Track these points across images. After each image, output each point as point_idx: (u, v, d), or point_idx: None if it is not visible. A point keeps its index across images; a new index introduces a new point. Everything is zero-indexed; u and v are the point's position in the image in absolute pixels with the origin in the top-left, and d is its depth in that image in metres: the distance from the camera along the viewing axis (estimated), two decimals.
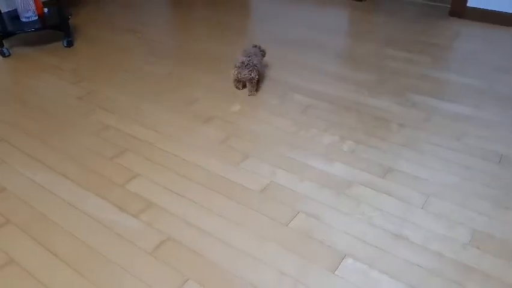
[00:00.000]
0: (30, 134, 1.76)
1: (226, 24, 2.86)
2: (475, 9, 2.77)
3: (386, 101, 1.96)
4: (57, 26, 2.52)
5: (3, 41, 2.44)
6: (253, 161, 1.59)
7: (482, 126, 1.77)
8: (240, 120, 1.84)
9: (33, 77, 2.23)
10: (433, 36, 2.61)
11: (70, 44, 2.56)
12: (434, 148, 1.65)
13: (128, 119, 1.86)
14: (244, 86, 2.08)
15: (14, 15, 2.52)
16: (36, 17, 2.51)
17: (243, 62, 1.97)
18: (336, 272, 1.16)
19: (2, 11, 2.63)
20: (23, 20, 2.47)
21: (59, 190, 1.46)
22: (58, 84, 2.16)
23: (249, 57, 1.99)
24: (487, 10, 2.73)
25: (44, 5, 2.69)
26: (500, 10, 2.69)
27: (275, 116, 1.87)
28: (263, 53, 2.18)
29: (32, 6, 2.46)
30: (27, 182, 1.50)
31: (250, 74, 1.96)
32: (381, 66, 2.27)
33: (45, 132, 1.78)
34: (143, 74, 2.25)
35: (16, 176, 1.53)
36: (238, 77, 2.00)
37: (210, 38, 2.65)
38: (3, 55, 2.43)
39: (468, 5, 2.78)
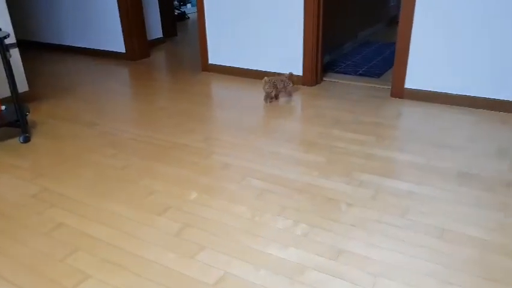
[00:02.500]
0: None
1: (186, 113, 3.00)
2: (412, 90, 3.06)
3: (335, 182, 2.06)
4: (14, 122, 2.56)
5: None
6: (209, 253, 1.61)
7: (424, 202, 1.88)
8: (196, 210, 1.88)
9: None
10: (377, 116, 2.83)
11: (26, 140, 2.59)
12: (380, 226, 1.73)
13: (83, 216, 1.86)
14: (271, 99, 3.16)
15: None
16: None
17: (268, 80, 3.06)
18: None
19: None
20: None
21: None
22: (12, 182, 2.15)
23: (274, 78, 3.10)
24: (422, 90, 3.02)
25: (1, 102, 2.75)
26: (434, 90, 2.98)
27: (231, 202, 1.93)
28: (289, 78, 3.17)
29: None
30: None
31: (269, 89, 3.08)
32: (330, 147, 2.42)
33: None
34: (101, 167, 2.28)
35: None
36: (264, 89, 3.09)
37: (169, 128, 2.76)
38: None
39: (405, 86, 3.07)
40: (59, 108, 3.16)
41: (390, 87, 3.28)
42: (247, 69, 3.75)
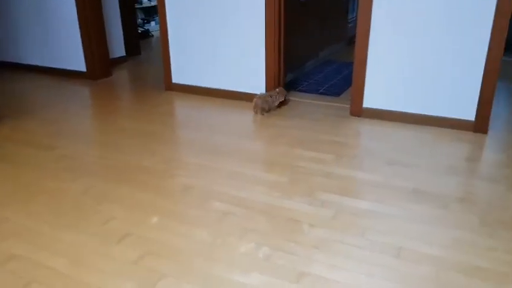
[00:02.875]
0: None
1: (149, 134, 2.96)
2: (370, 109, 3.16)
3: (297, 202, 2.09)
4: None
5: None
6: (170, 281, 1.58)
7: (382, 220, 1.94)
8: (157, 235, 1.85)
9: None
10: (337, 134, 2.91)
11: None
12: (341, 247, 1.76)
13: (38, 246, 1.79)
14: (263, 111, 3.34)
15: None
16: None
17: (259, 96, 3.31)
18: None
19: None
20: None
21: None
22: None
23: (264, 95, 3.35)
24: (379, 109, 3.13)
25: None
26: (391, 109, 3.10)
27: (193, 227, 1.91)
28: (280, 93, 3.39)
29: None
30: None
31: (263, 104, 3.30)
32: (292, 167, 2.46)
33: None
34: (59, 193, 2.21)
35: None
36: (258, 106, 3.31)
37: (131, 149, 2.72)
38: None
39: (364, 105, 3.18)
40: (17, 131, 3.05)
41: (349, 106, 3.38)
42: (211, 89, 3.77)
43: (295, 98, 3.72)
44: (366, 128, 3.02)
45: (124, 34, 5.22)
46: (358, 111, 3.21)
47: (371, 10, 2.91)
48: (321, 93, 3.83)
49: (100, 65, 4.41)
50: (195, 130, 3.03)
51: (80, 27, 4.26)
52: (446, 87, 2.88)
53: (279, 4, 3.30)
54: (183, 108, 3.54)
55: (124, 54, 5.25)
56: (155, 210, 2.05)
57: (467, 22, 2.69)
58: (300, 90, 3.94)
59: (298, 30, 4.16)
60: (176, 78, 3.92)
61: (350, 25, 5.80)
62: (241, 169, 2.44)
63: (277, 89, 3.41)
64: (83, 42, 4.32)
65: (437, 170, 2.40)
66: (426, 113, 3.00)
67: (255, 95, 3.58)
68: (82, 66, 4.44)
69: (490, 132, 2.89)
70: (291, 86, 4.05)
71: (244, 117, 3.27)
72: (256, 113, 3.34)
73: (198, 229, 1.89)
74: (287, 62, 3.96)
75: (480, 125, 2.85)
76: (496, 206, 2.05)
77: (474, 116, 2.86)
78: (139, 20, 7.22)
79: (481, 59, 2.73)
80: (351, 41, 6.26)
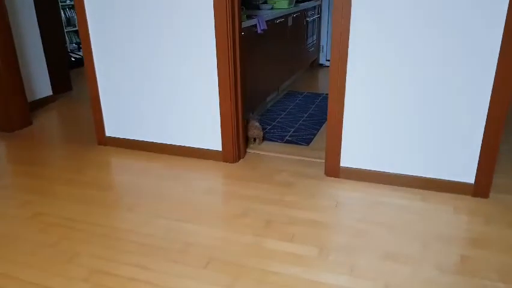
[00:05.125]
0: None
1: (71, 223, 2.24)
2: (348, 169, 2.62)
3: None
4: None
5: None
6: None
7: None
8: None
9: None
10: (313, 208, 2.33)
11: None
12: None
13: None
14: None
15: None
16: None
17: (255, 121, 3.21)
18: None
19: None
20: None
21: None
22: None
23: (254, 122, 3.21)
24: (360, 169, 2.59)
25: None
26: (374, 169, 2.57)
27: None
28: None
29: None
30: None
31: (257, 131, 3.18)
32: (262, 274, 1.84)
33: None
34: None
35: None
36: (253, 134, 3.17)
37: (40, 258, 1.99)
38: None
39: (341, 165, 2.63)
40: None
41: (323, 161, 2.83)
42: (155, 143, 3.09)
43: (258, 150, 3.12)
44: (347, 195, 2.47)
45: (49, 68, 4.41)
46: (335, 172, 2.66)
47: (347, 54, 2.38)
48: (288, 141, 3.26)
49: (16, 113, 3.60)
50: (131, 213, 2.34)
51: None
52: (440, 144, 2.39)
53: (233, 43, 2.69)
54: (118, 173, 2.83)
55: (51, 93, 4.43)
56: None
57: (465, 69, 2.22)
58: (263, 137, 3.35)
59: (256, 65, 3.58)
60: (111, 130, 3.21)
61: (310, 50, 5.32)
62: (192, 283, 1.79)
63: (254, 116, 3.32)
64: None
65: (443, 267, 1.87)
66: (417, 174, 2.49)
67: (210, 150, 2.94)
68: None
69: (491, 195, 2.43)
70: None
71: (198, 184, 2.62)
72: (254, 142, 3.23)
73: None
74: (245, 103, 3.37)
75: (481, 188, 2.38)
76: None
77: (473, 178, 2.39)
78: (73, 45, 6.37)
79: (482, 107, 2.26)
80: (312, 65, 5.78)
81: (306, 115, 3.88)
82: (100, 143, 3.27)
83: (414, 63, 2.28)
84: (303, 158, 2.96)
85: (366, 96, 2.43)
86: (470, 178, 2.39)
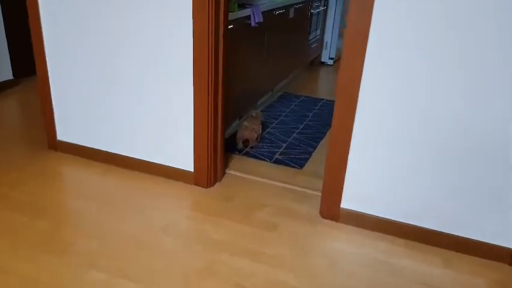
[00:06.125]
0: None
1: None
2: (348, 212, 2.06)
3: None
4: None
5: None
6: None
7: None
8: None
9: None
10: (302, 273, 1.78)
11: None
12: None
13: None
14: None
15: None
16: None
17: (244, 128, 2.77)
18: None
19: None
20: None
21: None
22: None
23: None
24: (363, 214, 2.04)
25: None
26: (381, 216, 2.01)
27: None
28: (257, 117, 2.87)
29: None
30: None
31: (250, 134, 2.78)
32: None
33: None
34: None
35: None
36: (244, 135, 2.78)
37: None
38: None
39: (341, 206, 2.07)
40: None
41: (319, 194, 2.28)
42: (113, 154, 2.51)
43: (239, 171, 2.55)
44: (347, 251, 1.91)
45: (10, 49, 3.79)
46: (332, 214, 2.10)
47: (361, 73, 1.80)
48: (278, 162, 2.70)
49: None
50: (63, 257, 1.77)
51: None
52: (472, 197, 1.83)
53: (215, 40, 2.10)
54: (62, 191, 2.25)
55: (12, 77, 3.83)
56: None
57: (489, 102, 1.65)
58: (247, 154, 2.78)
59: (247, 63, 2.99)
60: (63, 134, 2.62)
61: (312, 46, 4.72)
62: None
63: (253, 113, 2.88)
64: None
65: None
66: (439, 229, 1.94)
67: (179, 169, 2.37)
68: None
69: None
70: (233, 145, 2.87)
71: (158, 217, 2.05)
72: (243, 146, 2.80)
73: None
74: (231, 107, 2.79)
75: None
76: None
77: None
78: None
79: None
80: (312, 63, 5.19)
81: (301, 126, 3.31)
82: (50, 147, 2.69)
83: (446, 93, 1.71)
84: (294, 188, 2.40)
85: (380, 125, 1.87)
86: (508, 241, 1.85)
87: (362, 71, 1.80)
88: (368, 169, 1.96)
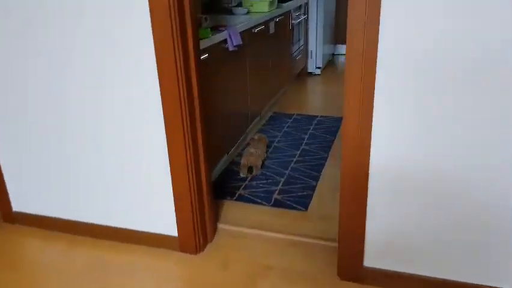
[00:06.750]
0: None
1: None
2: (374, 270, 1.66)
3: None
4: None
5: None
6: None
7: None
8: None
9: None
10: None
11: None
12: None
13: None
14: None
15: None
16: None
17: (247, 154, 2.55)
18: None
19: None
20: None
21: None
22: None
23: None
24: (388, 271, 1.64)
25: None
26: (406, 271, 1.62)
27: None
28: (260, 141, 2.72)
29: None
30: None
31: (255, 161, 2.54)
32: None
33: None
34: None
35: None
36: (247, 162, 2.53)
37: None
38: None
39: (364, 264, 1.67)
40: None
41: (335, 244, 1.88)
42: (83, 224, 2.08)
43: (232, 224, 2.13)
44: None
45: None
46: (354, 274, 1.70)
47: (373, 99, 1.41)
48: (277, 204, 2.29)
49: None
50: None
51: None
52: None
53: (186, 81, 1.70)
54: (13, 276, 1.82)
55: None
56: None
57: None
58: (241, 198, 2.37)
59: (229, 92, 2.60)
60: (20, 204, 2.20)
61: (297, 58, 4.34)
62: None
63: (255, 136, 2.75)
64: None
65: None
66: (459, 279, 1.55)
67: (161, 235, 1.96)
68: None
69: None
70: (223, 187, 2.47)
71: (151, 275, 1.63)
72: (247, 174, 2.56)
73: None
74: (216, 144, 2.39)
75: None
76: None
77: None
78: None
79: None
80: (300, 75, 4.81)
81: (298, 152, 2.91)
82: (6, 220, 2.26)
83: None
84: (301, 240, 1.99)
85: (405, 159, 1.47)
86: None
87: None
88: (391, 215, 1.56)
